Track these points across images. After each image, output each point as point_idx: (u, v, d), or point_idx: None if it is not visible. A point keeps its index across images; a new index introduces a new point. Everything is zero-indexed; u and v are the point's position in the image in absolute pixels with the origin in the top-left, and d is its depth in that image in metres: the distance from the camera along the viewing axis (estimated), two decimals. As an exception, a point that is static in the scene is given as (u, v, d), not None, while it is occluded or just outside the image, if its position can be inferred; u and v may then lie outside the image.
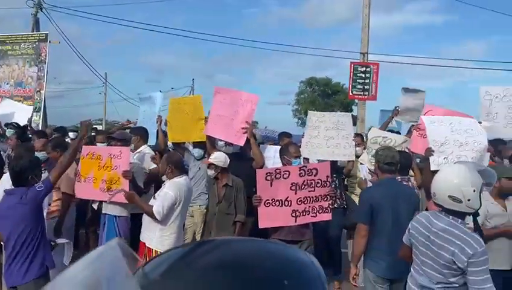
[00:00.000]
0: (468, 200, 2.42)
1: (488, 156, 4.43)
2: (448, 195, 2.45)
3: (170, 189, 3.89)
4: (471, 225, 2.78)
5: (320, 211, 3.97)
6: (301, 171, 3.93)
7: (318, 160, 5.14)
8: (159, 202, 3.84)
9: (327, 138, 5.10)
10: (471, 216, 2.59)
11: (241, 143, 4.86)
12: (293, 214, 3.91)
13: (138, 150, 5.08)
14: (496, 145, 5.18)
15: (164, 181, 4.31)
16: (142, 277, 0.62)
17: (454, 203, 2.45)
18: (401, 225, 3.31)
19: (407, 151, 4.78)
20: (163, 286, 0.59)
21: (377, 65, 12.81)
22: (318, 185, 3.96)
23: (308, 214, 3.96)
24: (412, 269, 2.72)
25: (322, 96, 38.36)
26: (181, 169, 4.10)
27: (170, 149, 5.63)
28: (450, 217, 2.49)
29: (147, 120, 5.98)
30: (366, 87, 12.87)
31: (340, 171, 5.35)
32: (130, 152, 4.57)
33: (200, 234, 5.00)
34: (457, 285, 2.44)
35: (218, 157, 4.49)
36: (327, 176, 4.01)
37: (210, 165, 4.54)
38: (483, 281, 2.34)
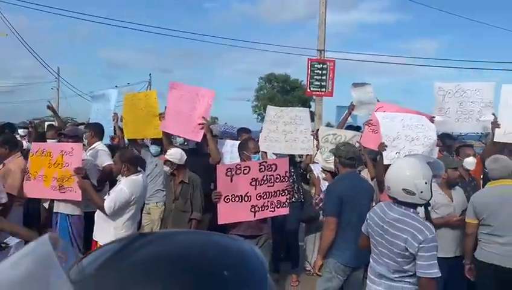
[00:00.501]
0: (421, 192, 2.53)
1: (437, 150, 4.63)
2: (402, 188, 2.54)
3: (126, 186, 3.80)
4: (422, 214, 2.90)
5: (278, 206, 4.01)
6: (261, 166, 3.94)
7: (276, 154, 5.20)
8: (112, 197, 3.76)
9: (285, 133, 5.18)
10: (423, 206, 2.70)
11: (198, 139, 4.81)
12: (252, 209, 3.93)
13: (91, 147, 4.90)
14: (444, 140, 5.43)
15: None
16: (77, 272, 0.59)
17: (408, 196, 2.55)
18: (363, 216, 3.44)
19: (358, 145, 4.92)
20: (98, 280, 0.57)
21: (333, 62, 13.04)
22: (277, 180, 3.99)
23: (266, 209, 3.99)
24: (371, 259, 2.80)
25: (281, 92, 38.77)
26: (136, 166, 4.01)
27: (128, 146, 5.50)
28: (403, 207, 2.59)
29: (101, 118, 5.79)
30: (323, 83, 13.06)
31: (297, 166, 5.44)
32: (82, 149, 4.41)
33: (157, 230, 4.91)
34: (411, 273, 2.54)
35: (174, 154, 4.43)
36: (286, 171, 4.05)
37: (166, 162, 4.48)
38: (430, 266, 2.45)
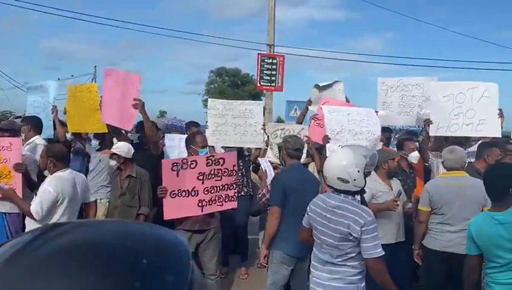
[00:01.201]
0: (354, 180, 2.70)
1: (380, 144, 4.82)
2: (337, 177, 2.71)
3: (50, 185, 3.48)
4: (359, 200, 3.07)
5: (226, 200, 4.02)
6: (208, 160, 3.93)
7: (224, 147, 5.19)
8: (38, 200, 3.45)
9: (235, 126, 5.18)
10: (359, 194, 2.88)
11: (129, 128, 4.63)
12: (200, 204, 3.91)
13: (29, 141, 4.66)
14: (384, 133, 5.66)
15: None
16: None
17: (342, 184, 2.71)
18: (306, 207, 3.53)
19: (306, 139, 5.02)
20: (7, 272, 0.55)
21: (282, 57, 13.19)
22: (225, 174, 4.00)
23: (214, 203, 3.98)
24: (314, 248, 2.91)
25: (232, 86, 38.69)
26: (64, 162, 3.66)
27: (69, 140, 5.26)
28: (342, 195, 2.74)
29: (38, 111, 5.48)
30: (273, 78, 13.16)
31: (246, 159, 5.47)
32: (21, 143, 4.18)
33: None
34: (353, 254, 2.68)
35: (121, 147, 4.30)
36: (234, 165, 4.06)
37: (113, 155, 4.33)
38: (375, 247, 2.61)
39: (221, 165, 3.96)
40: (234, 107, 5.24)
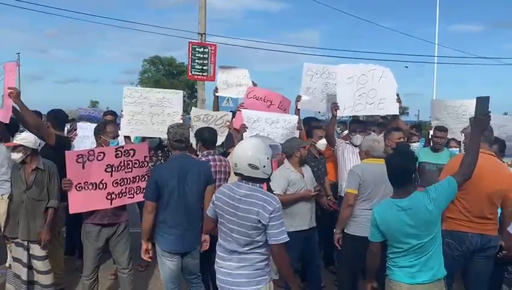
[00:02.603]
0: (264, 166, 2.71)
1: (297, 133, 4.91)
2: (248, 163, 2.70)
3: None
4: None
5: (138, 192, 3.90)
6: (117, 152, 3.77)
7: (147, 137, 5.02)
8: None
9: (152, 115, 5.01)
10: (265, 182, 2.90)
11: (6, 120, 4.28)
12: (109, 197, 3.76)
13: None
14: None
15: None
16: None
17: (252, 170, 2.71)
18: (189, 199, 3.48)
19: (228, 125, 5.02)
20: None
21: (214, 46, 13.03)
22: (136, 165, 3.87)
23: (125, 196, 3.85)
24: (219, 238, 2.88)
25: (167, 76, 37.79)
26: None
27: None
28: (250, 183, 2.74)
29: None
30: (204, 67, 12.98)
31: (165, 149, 5.34)
32: None
33: (3, 225, 4.41)
34: (261, 242, 2.70)
35: (28, 138, 4.00)
36: (145, 157, 3.94)
37: (17, 148, 4.01)
38: (280, 233, 2.64)
39: (132, 157, 3.82)
40: (151, 95, 5.05)
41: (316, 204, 4.35)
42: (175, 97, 5.18)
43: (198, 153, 4.70)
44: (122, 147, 3.87)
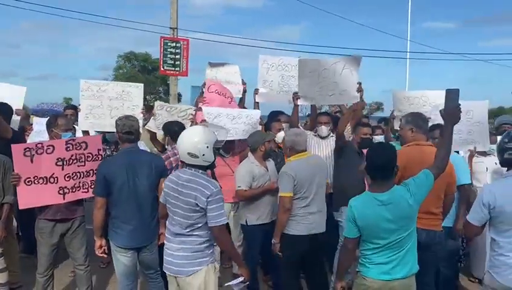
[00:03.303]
0: (203, 155, 2.84)
1: (260, 128, 4.86)
2: (187, 152, 2.84)
3: None
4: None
5: (92, 186, 3.80)
6: (68, 145, 3.66)
7: (98, 131, 4.91)
8: None
9: (111, 108, 4.90)
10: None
11: None
12: (61, 191, 3.66)
13: None
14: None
15: None
16: None
17: (192, 159, 2.84)
18: (140, 193, 3.43)
19: (191, 118, 4.97)
20: None
21: (187, 41, 12.90)
22: (89, 159, 3.77)
23: (78, 190, 3.75)
24: (167, 223, 3.00)
25: (143, 72, 37.26)
26: None
27: None
28: (193, 169, 2.87)
29: None
30: (177, 62, 12.85)
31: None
32: None
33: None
34: (200, 225, 2.82)
35: None
36: (99, 149, 3.85)
37: None
38: (219, 215, 2.78)
39: (84, 150, 3.72)
40: (110, 88, 4.93)
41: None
42: (135, 90, 5.08)
43: (166, 146, 4.65)
44: (74, 139, 3.75)
